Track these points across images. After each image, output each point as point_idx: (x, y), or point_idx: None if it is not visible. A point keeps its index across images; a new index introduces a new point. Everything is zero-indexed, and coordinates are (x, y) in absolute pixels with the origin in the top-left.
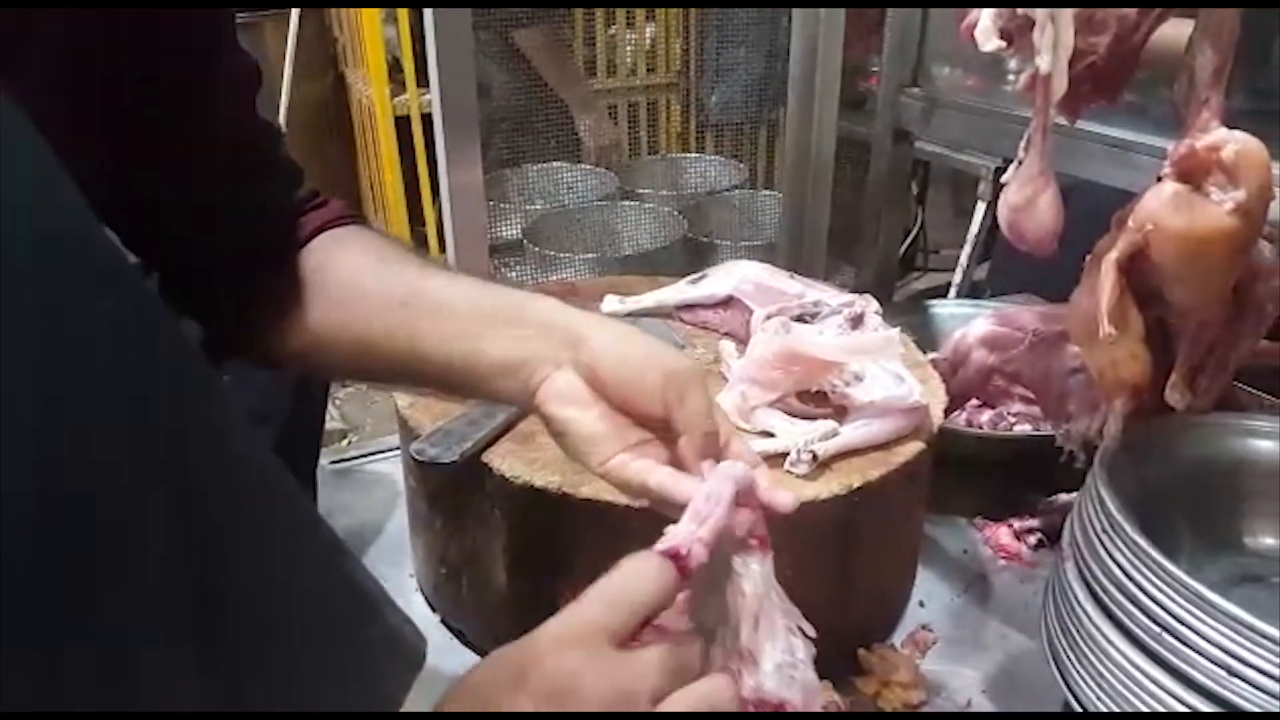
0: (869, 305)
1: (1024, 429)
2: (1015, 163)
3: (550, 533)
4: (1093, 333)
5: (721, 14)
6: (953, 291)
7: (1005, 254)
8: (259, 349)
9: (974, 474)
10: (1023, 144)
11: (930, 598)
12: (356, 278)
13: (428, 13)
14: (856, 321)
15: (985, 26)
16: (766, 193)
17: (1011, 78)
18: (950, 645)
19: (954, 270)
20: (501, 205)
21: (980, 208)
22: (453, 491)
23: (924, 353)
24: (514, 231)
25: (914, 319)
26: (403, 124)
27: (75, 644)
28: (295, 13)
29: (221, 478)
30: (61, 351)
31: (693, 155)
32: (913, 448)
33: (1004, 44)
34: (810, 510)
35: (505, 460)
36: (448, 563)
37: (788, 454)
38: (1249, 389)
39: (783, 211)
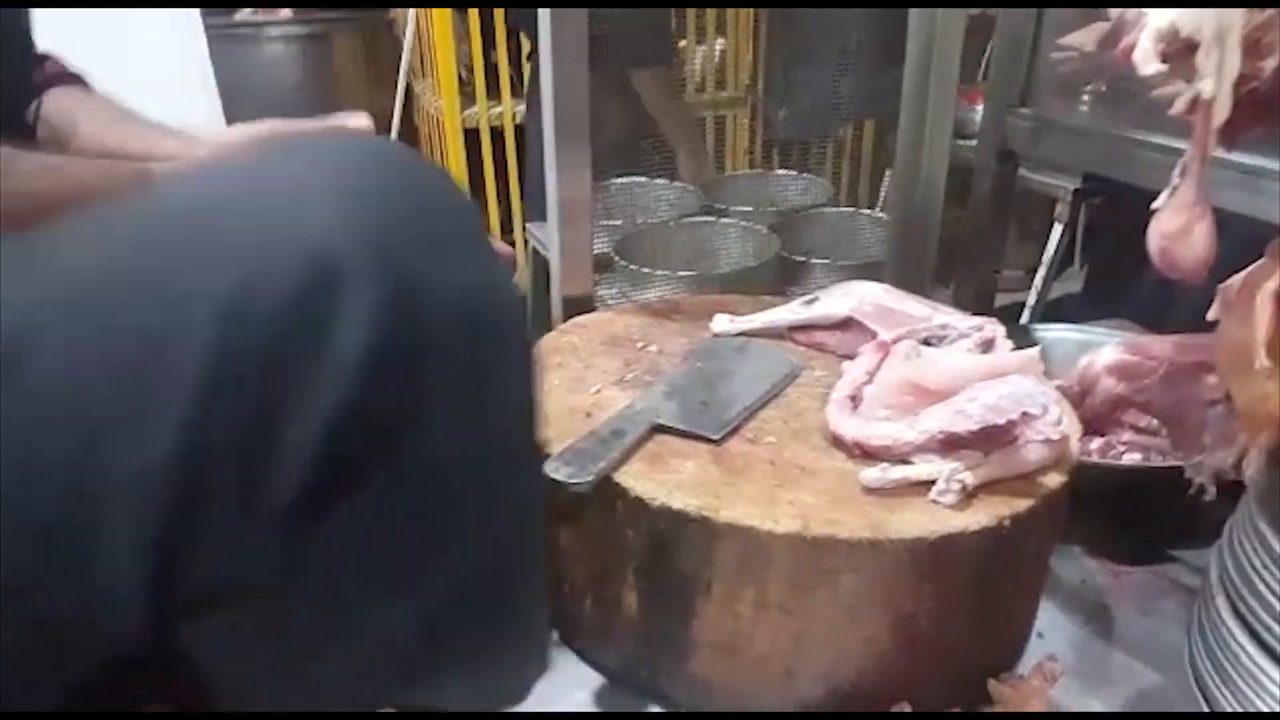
0: (999, 329)
1: (1133, 457)
2: (1169, 189)
3: (686, 556)
4: (1244, 365)
5: (791, 28)
6: (1026, 314)
7: (1095, 278)
8: None
9: (1093, 503)
10: (1178, 170)
11: (1051, 628)
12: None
13: (542, 19)
14: (987, 346)
15: (1145, 49)
16: (866, 212)
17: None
18: (1075, 678)
19: (1021, 291)
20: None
21: (1057, 229)
22: (579, 511)
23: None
24: (604, 247)
25: (1017, 340)
26: (471, 136)
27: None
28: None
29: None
30: None
31: (774, 172)
32: (1055, 479)
33: (1164, 67)
34: (959, 541)
35: (639, 482)
36: (572, 582)
37: (933, 482)
38: None
39: (890, 232)
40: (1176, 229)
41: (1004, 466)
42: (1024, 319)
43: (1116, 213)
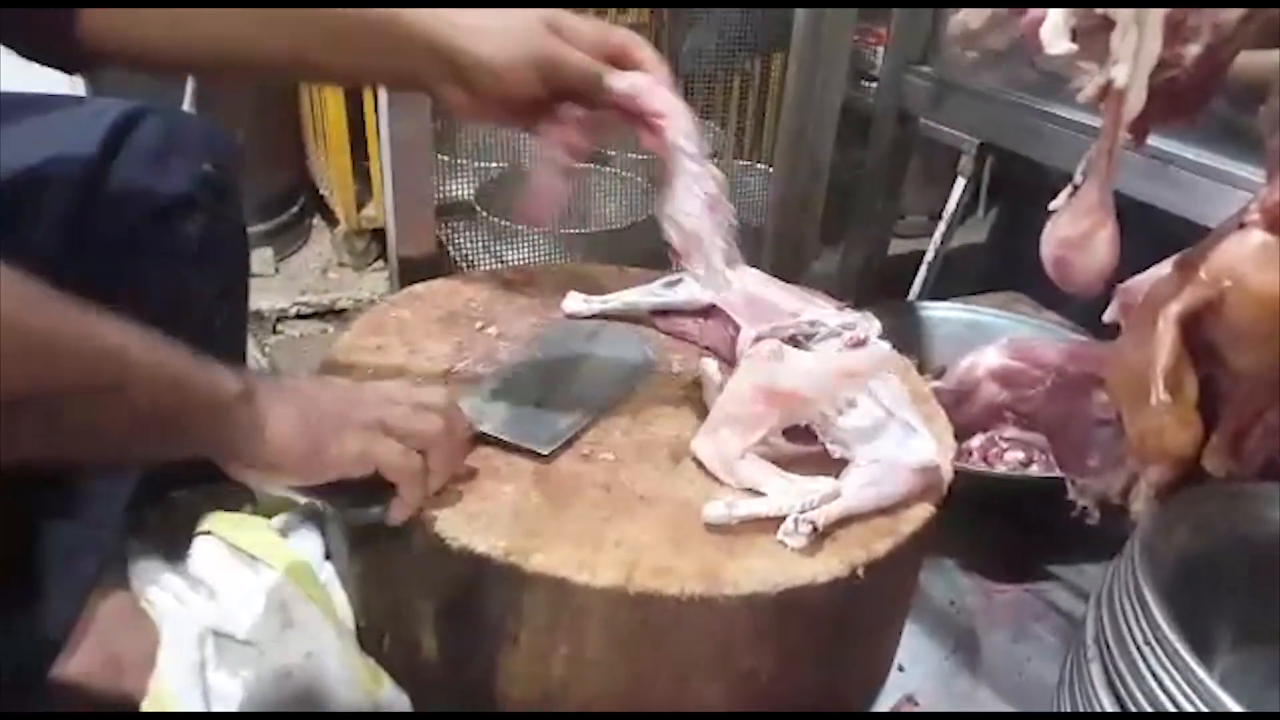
0: (872, 326)
1: (1015, 456)
2: (1069, 188)
3: (491, 604)
4: (1140, 393)
5: None
6: (922, 269)
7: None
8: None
9: (968, 513)
10: (1081, 167)
11: (914, 660)
12: None
13: None
14: (858, 347)
15: (1054, 25)
16: (761, 167)
17: (1073, 84)
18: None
19: (922, 238)
20: (455, 161)
21: (959, 184)
22: (371, 533)
23: (913, 360)
24: (466, 192)
25: (901, 321)
26: None
27: None
28: None
29: None
30: None
31: None
32: (922, 512)
33: (1074, 47)
34: (805, 594)
35: (442, 513)
36: (367, 611)
37: (781, 518)
38: None
39: (774, 188)
40: (1076, 236)
41: (863, 499)
42: (921, 273)
43: (1024, 169)
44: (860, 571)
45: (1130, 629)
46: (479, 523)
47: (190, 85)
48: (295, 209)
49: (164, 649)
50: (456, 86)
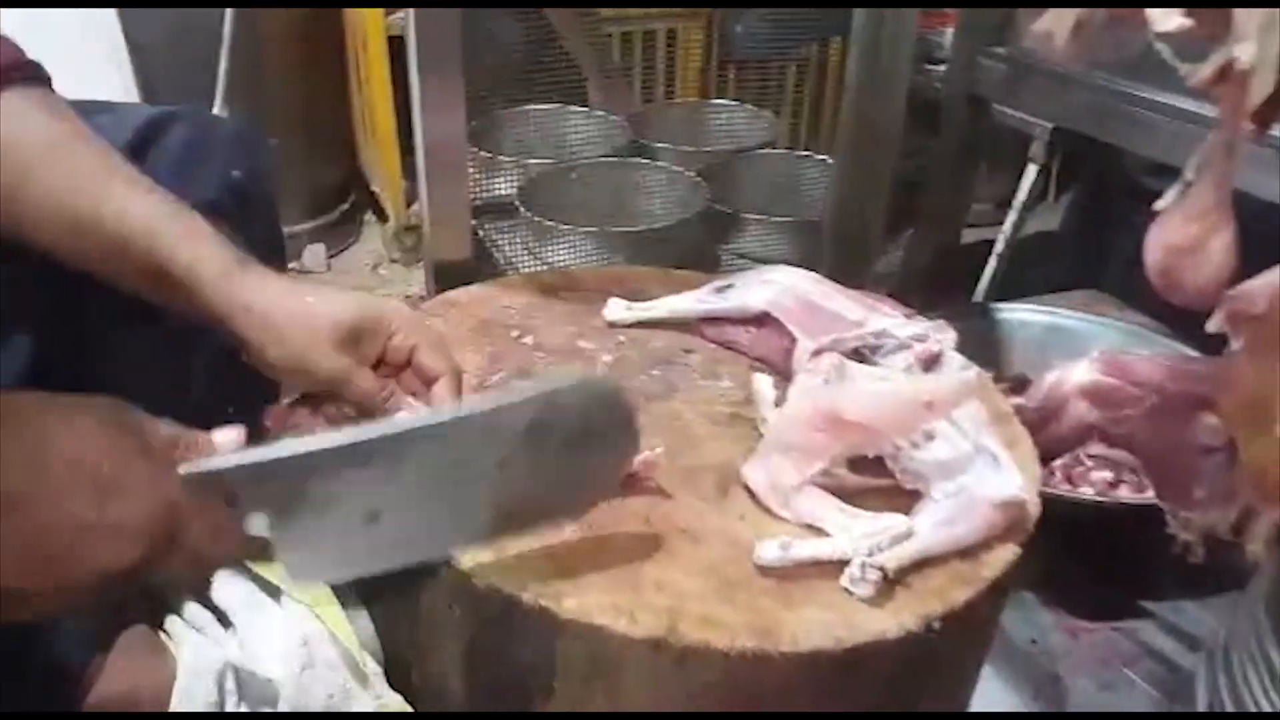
0: (946, 338)
1: (1102, 476)
2: (1178, 185)
3: (523, 649)
4: (1260, 419)
5: None
6: (991, 262)
7: (1071, 223)
8: None
9: (1049, 540)
10: (1193, 163)
11: (991, 707)
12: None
13: None
14: (930, 363)
15: None
16: (821, 157)
17: (1181, 68)
18: None
19: (990, 227)
20: (495, 157)
21: (1030, 170)
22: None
23: (989, 370)
24: (510, 188)
25: (973, 325)
26: (398, 45)
27: None
28: None
29: None
30: None
31: (713, 103)
32: (1006, 554)
33: (1189, 22)
34: (873, 650)
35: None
36: (391, 639)
37: (845, 561)
38: None
39: (834, 181)
40: (1187, 242)
41: (938, 541)
42: (989, 267)
43: (1098, 154)
44: (936, 625)
45: (1255, 697)
46: (507, 558)
47: (221, 84)
48: (346, 205)
49: (179, 688)
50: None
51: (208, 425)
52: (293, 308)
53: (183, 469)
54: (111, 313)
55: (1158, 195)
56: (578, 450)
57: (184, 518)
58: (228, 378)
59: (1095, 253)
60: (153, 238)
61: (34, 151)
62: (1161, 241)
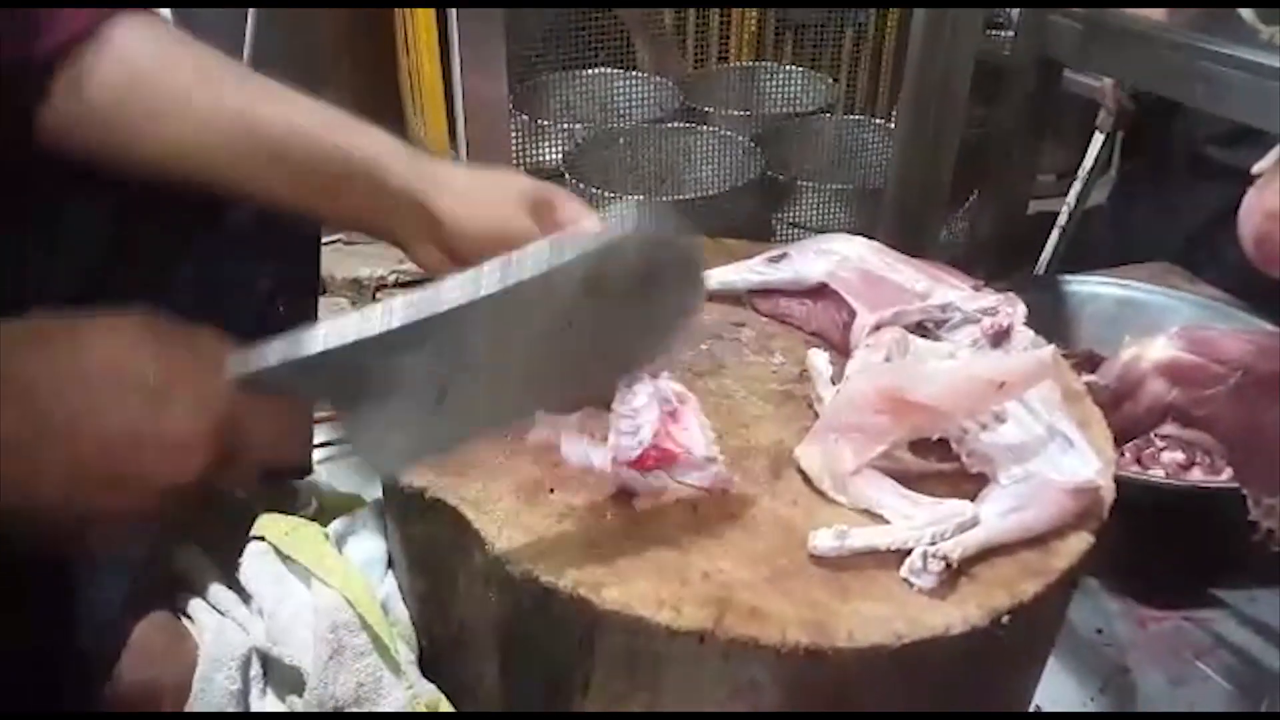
0: (1017, 312)
1: (1173, 457)
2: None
3: (559, 640)
4: None
5: None
6: (1054, 233)
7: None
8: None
9: (1118, 525)
10: None
11: (1055, 701)
12: (177, 94)
13: None
14: (999, 337)
15: None
16: (878, 122)
17: (1264, 30)
18: None
19: (1052, 199)
20: (539, 122)
21: (1097, 139)
22: (432, 547)
23: (1059, 346)
24: (555, 154)
25: (1041, 298)
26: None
27: None
28: None
29: None
30: None
31: (767, 65)
32: (1078, 543)
33: None
34: (936, 646)
35: (504, 530)
36: (424, 620)
37: (907, 551)
38: None
39: (897, 146)
40: None
41: (1007, 528)
42: (1052, 238)
43: (1164, 122)
44: (1004, 620)
45: None
46: (544, 544)
47: (248, 47)
48: None
49: (200, 676)
50: (431, 246)
51: None
52: (485, 181)
53: (234, 370)
54: (164, 251)
55: (1226, 168)
56: (640, 299)
57: (242, 422)
58: (270, 322)
59: (1154, 227)
60: (331, 133)
61: (184, 76)
62: (1259, 206)
